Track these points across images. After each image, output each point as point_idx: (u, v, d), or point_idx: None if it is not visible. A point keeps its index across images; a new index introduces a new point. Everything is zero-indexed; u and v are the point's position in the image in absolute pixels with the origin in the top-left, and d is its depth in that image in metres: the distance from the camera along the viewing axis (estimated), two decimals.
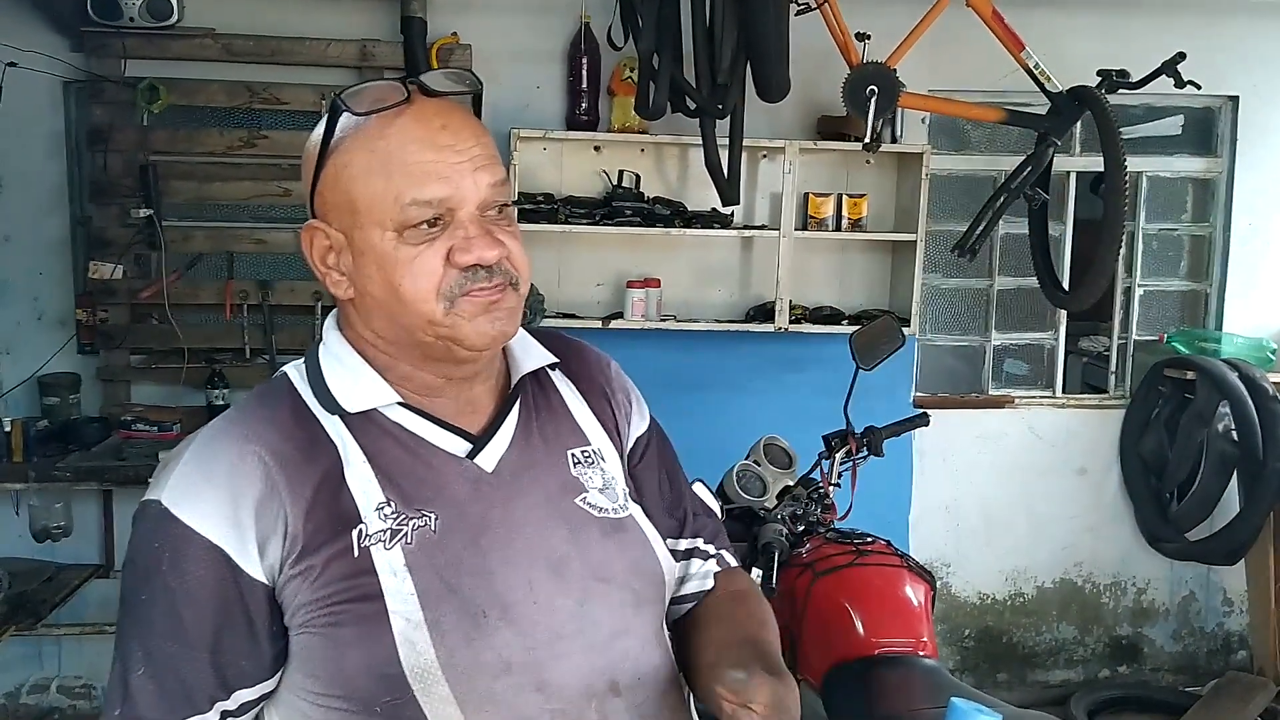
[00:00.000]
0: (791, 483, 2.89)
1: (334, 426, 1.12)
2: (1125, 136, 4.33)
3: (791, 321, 4.00)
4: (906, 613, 2.42)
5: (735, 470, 2.78)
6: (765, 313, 4.04)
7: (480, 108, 3.73)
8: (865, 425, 2.96)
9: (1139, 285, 4.52)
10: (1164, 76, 3.54)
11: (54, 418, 3.74)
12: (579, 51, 3.94)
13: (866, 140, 3.56)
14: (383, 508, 1.08)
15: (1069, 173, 4.37)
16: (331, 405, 1.13)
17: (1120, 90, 3.66)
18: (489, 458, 1.15)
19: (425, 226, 1.08)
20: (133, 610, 1.07)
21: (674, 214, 3.90)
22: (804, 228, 4.01)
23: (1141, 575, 4.56)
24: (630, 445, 1.32)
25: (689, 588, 1.34)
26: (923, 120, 4.23)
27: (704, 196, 3.88)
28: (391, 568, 1.06)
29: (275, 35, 3.83)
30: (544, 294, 3.94)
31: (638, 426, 1.34)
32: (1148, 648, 4.60)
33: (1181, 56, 3.48)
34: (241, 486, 1.05)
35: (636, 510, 1.24)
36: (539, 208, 3.80)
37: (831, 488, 2.88)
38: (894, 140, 4.10)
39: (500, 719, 1.07)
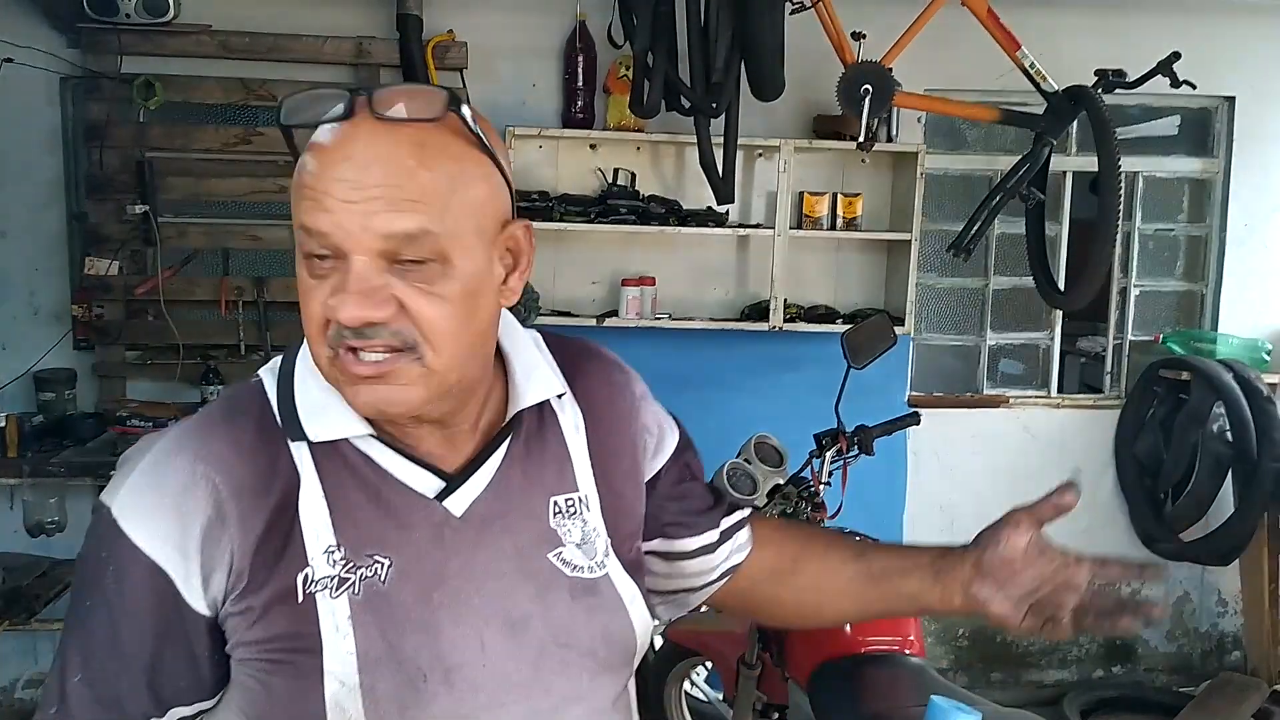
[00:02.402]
0: (782, 481, 2.89)
1: (299, 452, 1.03)
2: (1122, 137, 4.33)
3: (786, 320, 4.00)
4: None
5: (725, 468, 2.77)
6: (760, 311, 4.04)
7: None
8: (856, 424, 2.96)
9: (1135, 286, 4.53)
10: (1160, 76, 3.54)
11: (49, 413, 3.75)
12: (575, 49, 3.94)
13: (860, 139, 3.56)
14: (332, 552, 1.01)
15: (1065, 172, 4.36)
16: (297, 431, 1.03)
17: (1116, 90, 3.66)
18: (460, 501, 1.06)
19: (317, 260, 0.96)
20: (77, 613, 1.03)
21: (668, 212, 3.90)
22: (799, 227, 4.02)
23: None
24: (650, 475, 1.24)
25: (733, 560, 1.31)
26: (919, 120, 4.23)
27: (700, 195, 3.89)
28: (335, 621, 0.99)
29: (271, 32, 3.84)
30: (539, 292, 3.95)
31: (657, 461, 1.25)
32: (1142, 648, 4.60)
33: (1176, 56, 3.48)
34: (191, 511, 0.99)
35: (614, 568, 1.14)
36: (533, 205, 3.80)
37: (822, 486, 2.88)
38: (890, 140, 4.10)
39: None
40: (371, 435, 1.04)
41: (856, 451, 2.95)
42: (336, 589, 1.00)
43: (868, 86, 3.51)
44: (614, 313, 3.98)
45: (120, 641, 1.01)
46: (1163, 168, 4.47)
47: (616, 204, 3.85)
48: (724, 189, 3.60)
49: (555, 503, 1.12)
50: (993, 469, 4.45)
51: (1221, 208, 4.47)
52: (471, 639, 1.03)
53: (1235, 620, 4.58)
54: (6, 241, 3.92)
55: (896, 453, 4.36)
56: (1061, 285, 4.10)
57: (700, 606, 1.35)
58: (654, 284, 4.02)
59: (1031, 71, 3.61)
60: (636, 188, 3.95)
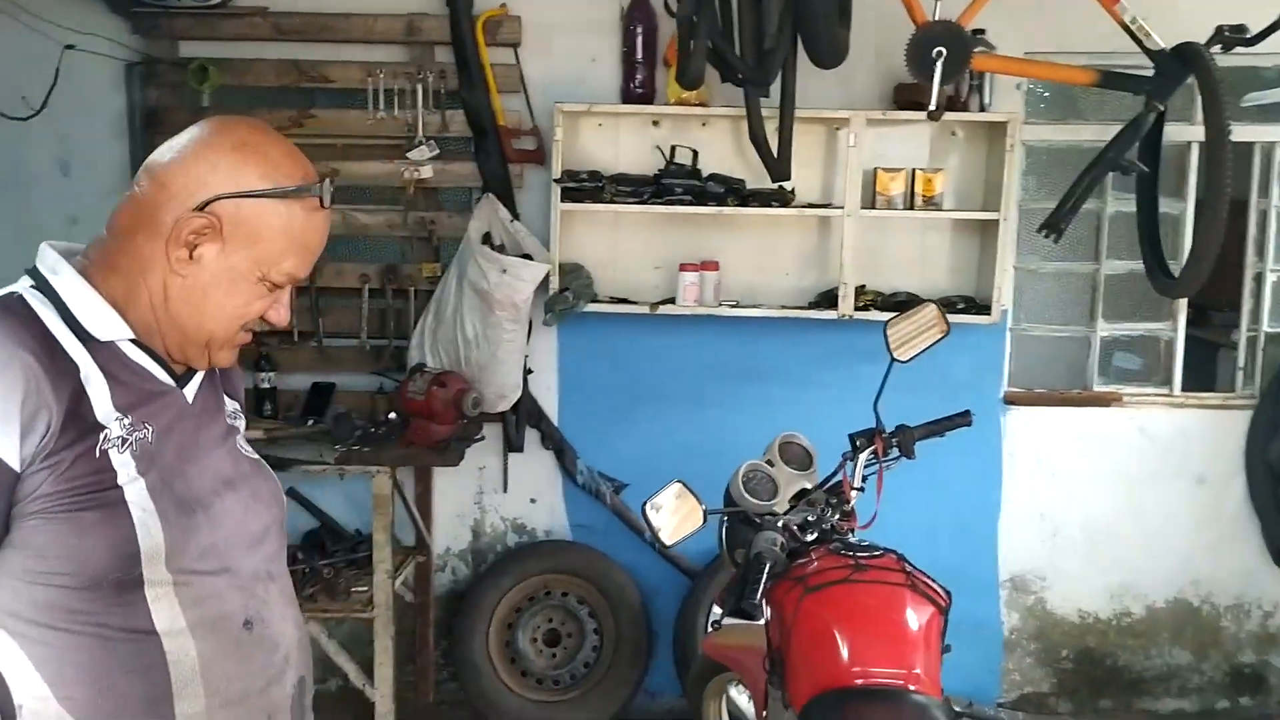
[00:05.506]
0: (809, 485, 2.62)
1: (75, 348, 1.33)
2: (1256, 102, 3.85)
3: (860, 308, 3.69)
4: (899, 639, 2.11)
5: (742, 470, 2.53)
6: (833, 299, 3.73)
7: None
8: (897, 423, 2.66)
9: (1271, 270, 3.99)
10: None
11: None
12: (633, 21, 3.72)
13: (931, 108, 3.21)
14: (120, 418, 1.34)
15: (1190, 143, 3.87)
16: (80, 332, 1.34)
17: (1236, 49, 3.19)
18: (190, 391, 1.46)
19: (273, 284, 1.41)
20: None
21: (728, 191, 3.63)
22: (871, 206, 3.69)
23: (1269, 597, 4.04)
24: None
25: None
26: (1018, 86, 3.83)
27: None
28: (126, 468, 1.32)
29: (323, 12, 3.77)
30: (593, 276, 3.76)
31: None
32: (1275, 677, 4.08)
33: None
34: (10, 383, 1.25)
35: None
36: (582, 186, 3.60)
37: (854, 492, 2.58)
38: (982, 109, 3.73)
39: (202, 593, 1.38)
40: (131, 340, 1.39)
41: (896, 454, 2.65)
42: (122, 447, 1.33)
43: (940, 49, 3.15)
44: (670, 300, 3.74)
45: None
46: None
47: (671, 184, 3.61)
48: (778, 166, 3.31)
49: (228, 407, 1.57)
50: (1102, 474, 4.02)
51: None
52: (210, 489, 1.43)
53: None
54: (79, 228, 3.96)
55: (990, 454, 3.99)
56: (1180, 269, 3.63)
57: None
58: (717, 269, 3.76)
59: (1133, 28, 3.17)
60: (698, 166, 3.70)
